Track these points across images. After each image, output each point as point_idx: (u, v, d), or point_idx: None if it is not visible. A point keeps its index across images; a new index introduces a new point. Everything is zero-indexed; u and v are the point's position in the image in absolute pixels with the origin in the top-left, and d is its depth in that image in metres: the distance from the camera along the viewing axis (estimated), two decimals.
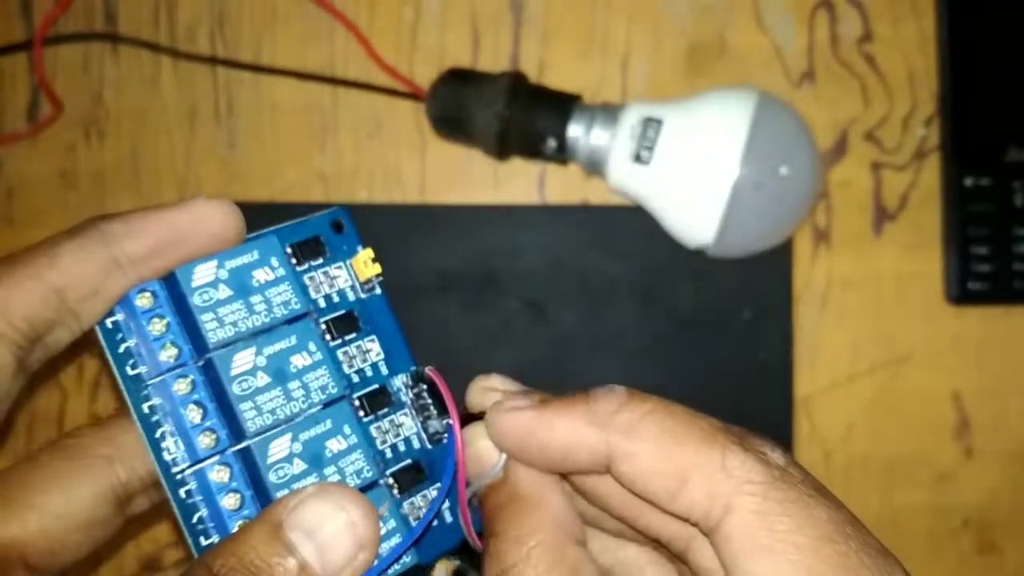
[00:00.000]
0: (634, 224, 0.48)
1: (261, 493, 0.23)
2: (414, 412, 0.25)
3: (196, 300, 0.23)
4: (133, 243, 0.22)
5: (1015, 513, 0.50)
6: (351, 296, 0.25)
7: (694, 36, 0.50)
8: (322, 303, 0.25)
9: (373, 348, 0.25)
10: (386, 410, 0.25)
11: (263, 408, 0.23)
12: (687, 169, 0.44)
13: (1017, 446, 0.50)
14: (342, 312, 0.25)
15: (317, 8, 0.50)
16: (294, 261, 0.24)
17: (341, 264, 0.25)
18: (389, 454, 0.25)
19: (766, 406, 0.49)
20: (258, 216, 0.24)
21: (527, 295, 0.49)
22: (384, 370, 0.25)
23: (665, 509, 0.21)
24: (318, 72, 0.50)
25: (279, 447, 0.23)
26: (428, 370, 0.25)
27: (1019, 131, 0.49)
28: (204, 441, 0.22)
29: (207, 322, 0.23)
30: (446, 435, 0.25)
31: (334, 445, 0.24)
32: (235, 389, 0.23)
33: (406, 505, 0.25)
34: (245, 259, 0.23)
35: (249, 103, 0.50)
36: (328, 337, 0.24)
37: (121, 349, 0.22)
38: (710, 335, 0.49)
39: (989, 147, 0.49)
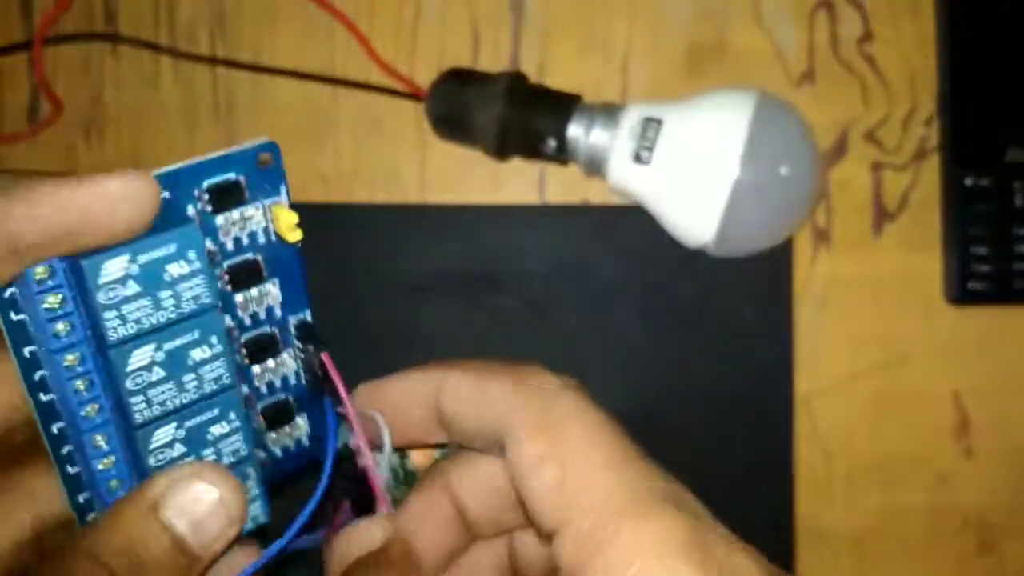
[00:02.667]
0: (634, 224, 0.48)
1: (141, 473, 0.23)
2: (297, 354, 0.26)
3: (101, 297, 0.21)
4: (32, 229, 0.20)
5: (1015, 513, 0.50)
6: (262, 240, 0.24)
7: (694, 36, 0.50)
8: (231, 246, 0.24)
9: (272, 292, 0.25)
10: (270, 353, 0.25)
11: (153, 401, 0.23)
12: (687, 169, 0.44)
13: (1017, 446, 0.50)
14: (248, 259, 0.24)
15: (317, 8, 0.50)
16: (210, 208, 0.23)
17: (260, 206, 0.24)
18: (265, 391, 0.25)
19: (766, 406, 0.49)
20: None
21: (527, 295, 0.49)
22: (278, 314, 0.25)
23: (476, 439, 0.25)
24: (318, 72, 0.50)
25: (163, 435, 0.23)
26: (324, 355, 0.25)
27: (1019, 131, 0.49)
28: (88, 412, 0.22)
29: (109, 320, 0.21)
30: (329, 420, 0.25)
31: (217, 429, 0.24)
32: (128, 384, 0.22)
33: (270, 438, 0.26)
34: (160, 252, 0.22)
35: (249, 103, 0.50)
36: (229, 287, 0.24)
37: (15, 318, 0.21)
38: (710, 335, 0.49)
39: (989, 147, 0.49)
